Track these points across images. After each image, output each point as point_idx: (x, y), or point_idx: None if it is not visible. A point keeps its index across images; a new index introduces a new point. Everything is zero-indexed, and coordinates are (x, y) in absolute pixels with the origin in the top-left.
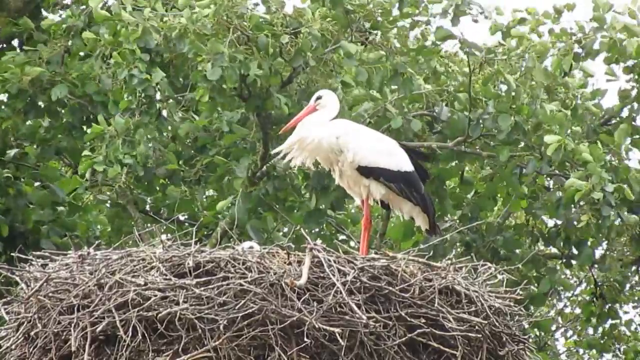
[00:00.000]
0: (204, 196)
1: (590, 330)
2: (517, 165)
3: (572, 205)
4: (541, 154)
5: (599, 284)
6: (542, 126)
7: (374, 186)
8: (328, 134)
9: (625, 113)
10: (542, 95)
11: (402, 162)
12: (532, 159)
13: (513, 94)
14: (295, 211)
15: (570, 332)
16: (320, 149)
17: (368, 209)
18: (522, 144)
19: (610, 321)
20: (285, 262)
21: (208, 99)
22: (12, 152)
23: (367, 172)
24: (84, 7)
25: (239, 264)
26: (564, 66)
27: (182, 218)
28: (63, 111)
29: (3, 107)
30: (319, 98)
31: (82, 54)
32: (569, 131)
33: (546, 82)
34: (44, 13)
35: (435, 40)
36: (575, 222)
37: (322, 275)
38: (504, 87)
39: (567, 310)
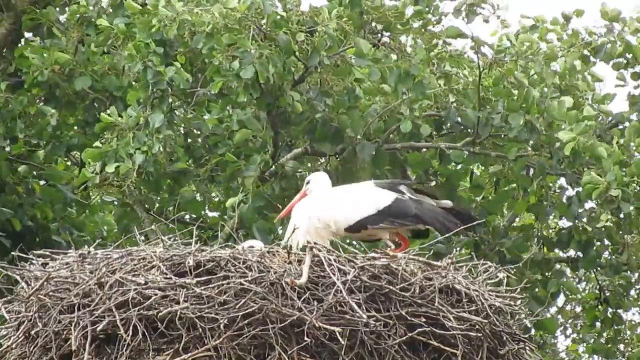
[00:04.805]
0: (214, 195)
1: (591, 335)
2: (526, 164)
3: (585, 204)
4: (550, 152)
5: (604, 288)
6: (554, 124)
7: (373, 232)
8: (309, 217)
9: (634, 116)
10: (554, 94)
11: (378, 201)
12: (542, 159)
13: (525, 91)
14: None
15: (569, 330)
16: (317, 231)
17: (392, 242)
18: (531, 142)
19: (615, 327)
20: (285, 261)
21: (245, 97)
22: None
23: (354, 229)
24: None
25: (239, 263)
26: (573, 67)
27: (187, 218)
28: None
29: (20, 96)
30: (307, 183)
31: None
32: (582, 125)
33: (557, 82)
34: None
35: (446, 38)
36: (584, 222)
37: (322, 274)
38: (514, 90)
39: (567, 307)
